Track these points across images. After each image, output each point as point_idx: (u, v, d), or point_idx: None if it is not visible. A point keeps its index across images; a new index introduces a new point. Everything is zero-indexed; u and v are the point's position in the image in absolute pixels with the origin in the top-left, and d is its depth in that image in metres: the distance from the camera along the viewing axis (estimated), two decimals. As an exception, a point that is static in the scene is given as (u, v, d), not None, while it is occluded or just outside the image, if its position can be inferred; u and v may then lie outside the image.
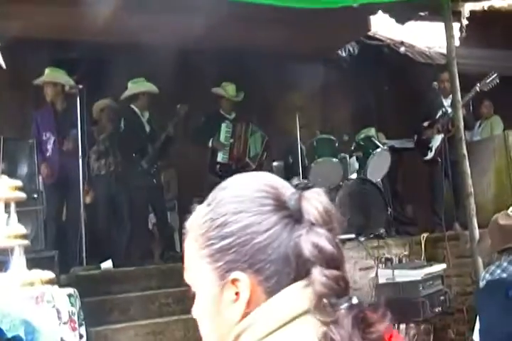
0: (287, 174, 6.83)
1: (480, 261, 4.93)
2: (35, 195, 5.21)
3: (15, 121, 6.99)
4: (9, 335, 3.07)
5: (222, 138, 6.99)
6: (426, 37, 8.41)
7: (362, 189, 6.44)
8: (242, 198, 0.88)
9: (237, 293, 0.86)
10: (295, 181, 0.95)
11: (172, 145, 6.67)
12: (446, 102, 6.72)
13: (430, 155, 6.86)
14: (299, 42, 7.18)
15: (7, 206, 3.68)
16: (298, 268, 0.84)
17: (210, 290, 0.89)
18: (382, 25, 7.75)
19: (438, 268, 5.43)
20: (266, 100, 8.03)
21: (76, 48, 6.72)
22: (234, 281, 0.86)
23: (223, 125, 7.01)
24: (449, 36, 5.38)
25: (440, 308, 5.15)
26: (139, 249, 6.34)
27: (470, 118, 6.77)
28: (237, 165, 6.97)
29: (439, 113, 6.80)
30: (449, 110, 6.47)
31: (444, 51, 5.79)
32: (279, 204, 0.88)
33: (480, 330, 3.32)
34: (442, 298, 5.22)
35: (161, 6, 5.53)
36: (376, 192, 6.44)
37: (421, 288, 4.95)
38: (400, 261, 5.98)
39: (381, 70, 8.20)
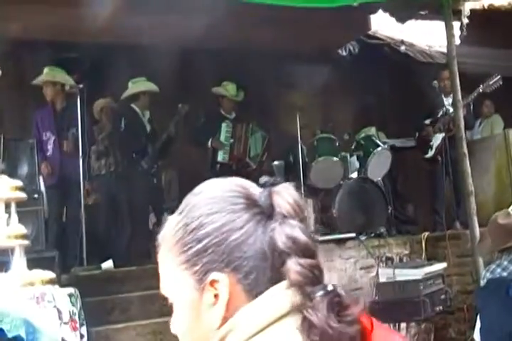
0: (288, 173, 6.83)
1: (481, 260, 4.93)
2: (36, 195, 5.20)
3: (15, 121, 6.99)
4: (10, 335, 3.08)
5: (222, 137, 6.99)
6: (426, 36, 8.40)
7: (362, 188, 6.44)
8: (214, 199, 0.90)
9: (216, 296, 0.86)
10: (263, 179, 0.97)
11: (173, 145, 6.67)
12: (447, 101, 6.72)
13: (430, 153, 6.87)
14: (299, 42, 7.19)
15: (7, 206, 3.67)
16: (274, 262, 0.86)
17: (188, 297, 0.89)
18: (383, 24, 7.75)
19: (439, 267, 5.43)
20: (266, 100, 8.02)
21: (76, 48, 6.73)
22: (212, 283, 0.86)
23: (223, 125, 7.01)
24: (450, 35, 5.38)
25: (441, 307, 5.15)
26: (140, 248, 6.34)
27: (470, 118, 6.77)
28: (238, 165, 6.97)
29: (440, 112, 6.81)
30: (450, 109, 6.47)
31: (445, 50, 5.78)
32: (251, 203, 0.90)
33: (480, 329, 3.32)
34: (443, 296, 5.22)
35: (161, 6, 5.53)
36: (377, 191, 6.44)
37: (422, 287, 4.95)
38: (401, 260, 5.99)
39: (381, 69, 8.19)
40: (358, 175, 6.66)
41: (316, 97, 8.34)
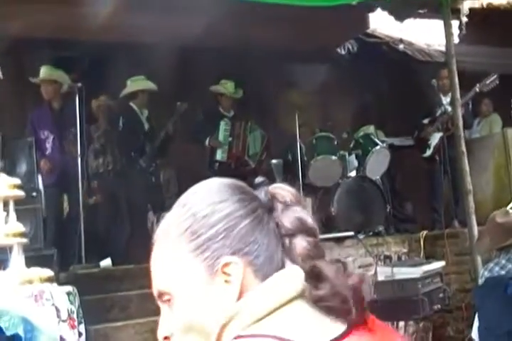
0: (286, 172, 6.83)
1: (479, 258, 4.93)
2: (34, 194, 5.19)
3: (14, 119, 6.98)
4: (8, 333, 3.08)
5: (220, 136, 6.98)
6: (425, 34, 8.41)
7: (361, 187, 6.45)
8: (220, 190, 0.94)
9: (227, 281, 0.88)
10: (258, 179, 1.02)
11: (171, 144, 6.67)
12: (445, 100, 6.72)
13: (428, 152, 6.87)
14: (298, 40, 7.18)
15: (6, 204, 3.67)
16: (282, 244, 0.92)
17: (199, 284, 0.89)
18: (381, 23, 7.75)
19: (437, 265, 5.44)
20: (265, 98, 8.02)
21: (75, 47, 6.72)
22: (225, 266, 0.88)
23: (222, 123, 7.00)
24: (448, 34, 5.38)
25: (439, 306, 5.16)
26: (138, 247, 6.33)
27: (469, 117, 6.78)
28: (236, 164, 6.97)
29: (439, 111, 6.81)
30: (448, 108, 6.48)
31: (443, 49, 5.79)
32: (252, 198, 0.94)
33: (479, 327, 3.33)
34: (441, 295, 5.22)
35: (159, 4, 5.53)
36: (375, 190, 6.45)
37: (420, 286, 4.95)
38: (399, 258, 6.00)
39: (380, 68, 8.19)
40: (357, 173, 6.66)
41: (314, 96, 8.33)
